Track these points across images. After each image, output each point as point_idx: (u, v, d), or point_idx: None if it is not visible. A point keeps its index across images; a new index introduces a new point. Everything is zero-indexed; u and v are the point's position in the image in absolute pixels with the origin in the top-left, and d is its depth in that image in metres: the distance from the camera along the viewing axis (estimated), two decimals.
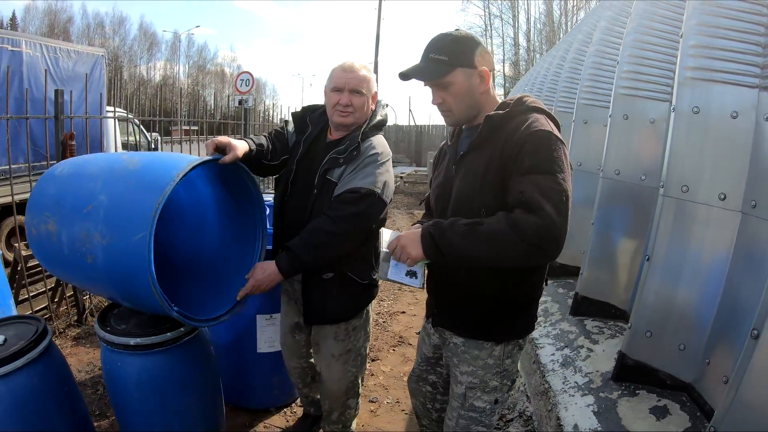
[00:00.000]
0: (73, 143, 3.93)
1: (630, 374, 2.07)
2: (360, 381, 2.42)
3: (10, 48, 5.93)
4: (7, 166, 3.72)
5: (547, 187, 1.32)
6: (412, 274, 1.57)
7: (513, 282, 1.57)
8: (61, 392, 1.97)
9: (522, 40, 31.48)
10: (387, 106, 2.32)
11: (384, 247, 1.59)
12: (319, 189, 2.04)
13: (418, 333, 2.27)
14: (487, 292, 1.58)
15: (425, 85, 1.61)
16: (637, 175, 2.54)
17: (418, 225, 1.68)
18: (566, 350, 2.64)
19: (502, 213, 1.35)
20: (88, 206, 1.76)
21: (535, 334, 2.98)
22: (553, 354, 2.68)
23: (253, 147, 2.06)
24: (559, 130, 1.51)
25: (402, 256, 1.49)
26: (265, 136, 2.22)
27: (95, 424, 2.71)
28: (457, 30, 1.59)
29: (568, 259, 3.58)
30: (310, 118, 2.24)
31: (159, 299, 1.71)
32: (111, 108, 7.16)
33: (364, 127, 2.09)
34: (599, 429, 1.91)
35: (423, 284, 1.59)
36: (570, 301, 3.05)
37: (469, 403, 1.68)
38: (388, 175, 2.09)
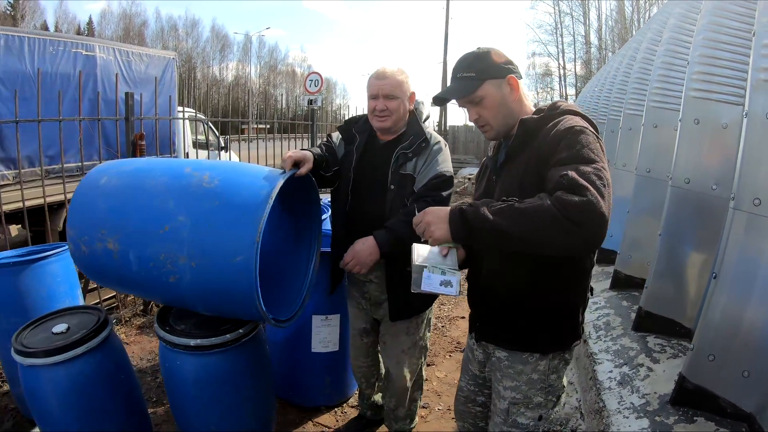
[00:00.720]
0: (142, 143, 4.14)
1: (689, 399, 1.92)
2: (423, 373, 2.57)
3: (84, 52, 6.32)
4: (80, 164, 3.96)
5: (589, 173, 1.26)
6: (446, 283, 1.52)
7: (556, 290, 1.53)
8: (117, 379, 2.11)
9: (593, 38, 30.32)
10: (423, 103, 2.55)
11: (416, 260, 1.55)
12: (396, 185, 2.18)
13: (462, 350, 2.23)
14: (530, 301, 1.55)
15: (459, 105, 1.63)
16: (708, 184, 2.35)
17: None
18: (625, 368, 2.49)
19: (543, 193, 1.27)
20: (164, 227, 1.76)
21: (594, 348, 2.84)
22: (611, 371, 2.53)
23: (318, 158, 2.17)
24: (597, 132, 1.44)
25: (425, 233, 1.42)
26: (319, 148, 2.33)
27: (152, 410, 2.87)
28: (479, 48, 1.61)
29: (634, 270, 3.39)
30: (355, 128, 2.37)
31: (261, 313, 1.79)
32: (184, 109, 7.49)
33: (421, 123, 2.29)
34: None
35: (459, 292, 1.53)
36: (633, 315, 2.88)
37: (512, 419, 1.64)
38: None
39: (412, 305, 2.28)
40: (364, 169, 2.27)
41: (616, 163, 4.16)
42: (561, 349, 1.61)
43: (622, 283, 3.51)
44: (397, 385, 2.45)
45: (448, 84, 1.64)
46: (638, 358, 2.50)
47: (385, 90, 2.18)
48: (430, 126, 2.48)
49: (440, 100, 1.70)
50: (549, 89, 36.01)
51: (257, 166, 1.99)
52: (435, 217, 1.40)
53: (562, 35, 31.58)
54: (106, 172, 1.99)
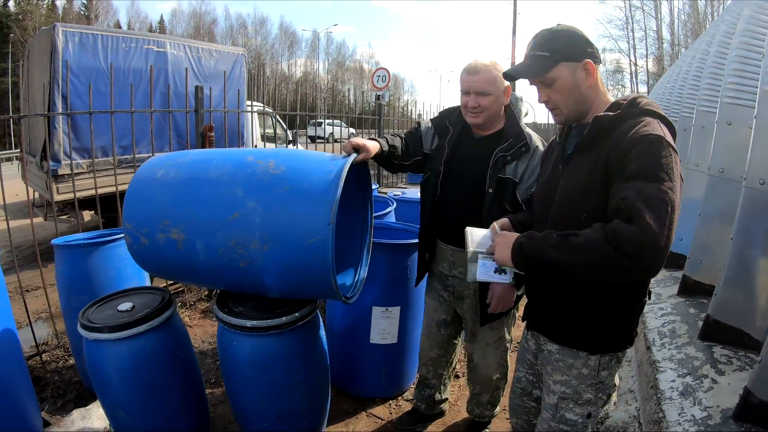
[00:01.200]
0: (212, 134, 4.30)
1: (753, 415, 1.80)
2: (508, 362, 2.58)
3: (155, 49, 6.64)
4: (152, 154, 4.16)
5: (651, 196, 1.22)
6: (501, 271, 1.51)
7: (612, 292, 1.48)
8: (178, 358, 2.20)
9: (666, 33, 28.98)
10: (522, 99, 2.38)
11: (471, 246, 1.54)
12: (495, 188, 2.14)
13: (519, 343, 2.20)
14: (586, 299, 1.50)
15: (530, 83, 1.54)
16: None
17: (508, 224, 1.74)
18: (688, 378, 2.36)
19: (599, 224, 1.27)
20: (234, 214, 1.82)
21: (657, 356, 2.72)
22: (673, 381, 2.41)
23: (386, 148, 2.19)
24: (674, 136, 1.38)
25: (494, 250, 1.47)
26: (400, 137, 2.35)
27: (210, 391, 2.99)
28: (558, 25, 1.51)
29: (704, 276, 3.20)
30: (448, 120, 2.35)
31: (335, 290, 1.85)
32: (256, 103, 7.72)
33: (520, 121, 2.24)
34: None
35: (513, 279, 1.53)
36: (700, 324, 2.72)
37: (560, 414, 1.62)
38: None
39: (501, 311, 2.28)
40: (456, 164, 2.26)
41: (688, 163, 3.94)
42: (612, 350, 1.56)
43: (691, 289, 3.33)
44: (482, 374, 2.53)
45: (523, 60, 1.55)
46: (703, 369, 2.36)
47: (476, 86, 2.11)
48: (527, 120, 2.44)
49: (510, 77, 1.66)
50: (620, 86, 34.78)
51: (317, 152, 2.03)
52: (504, 241, 1.45)
53: (633, 30, 30.42)
54: (161, 166, 2.04)
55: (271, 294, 2.02)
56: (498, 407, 2.72)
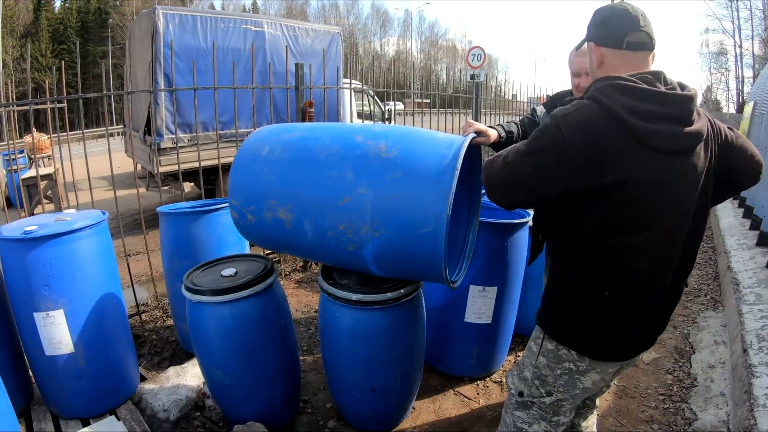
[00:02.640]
0: (311, 110, 4.41)
1: None
2: None
3: (253, 28, 6.83)
4: (252, 129, 4.33)
5: (507, 154, 1.37)
6: None
7: (564, 279, 1.46)
8: (276, 324, 2.28)
9: None
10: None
11: None
12: None
13: None
14: (550, 281, 1.54)
15: None
16: None
17: None
18: None
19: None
20: (344, 198, 1.80)
21: (754, 359, 2.56)
22: None
23: (503, 134, 2.16)
24: (616, 123, 1.24)
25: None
26: (516, 123, 2.31)
27: (302, 358, 3.11)
28: (606, 6, 1.44)
29: None
30: (560, 103, 2.27)
31: (444, 278, 1.83)
32: (349, 81, 7.83)
33: None
34: None
35: None
36: None
37: (510, 373, 1.69)
38: None
39: None
40: None
41: None
42: (558, 339, 1.50)
43: None
44: None
45: None
46: None
47: (581, 66, 2.00)
48: None
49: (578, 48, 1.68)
50: (724, 69, 32.36)
51: (430, 131, 1.94)
52: None
53: (738, 9, 27.94)
54: (267, 142, 2.03)
55: (376, 274, 2.03)
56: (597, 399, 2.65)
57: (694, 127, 1.28)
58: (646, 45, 1.35)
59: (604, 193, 1.27)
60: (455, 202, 2.24)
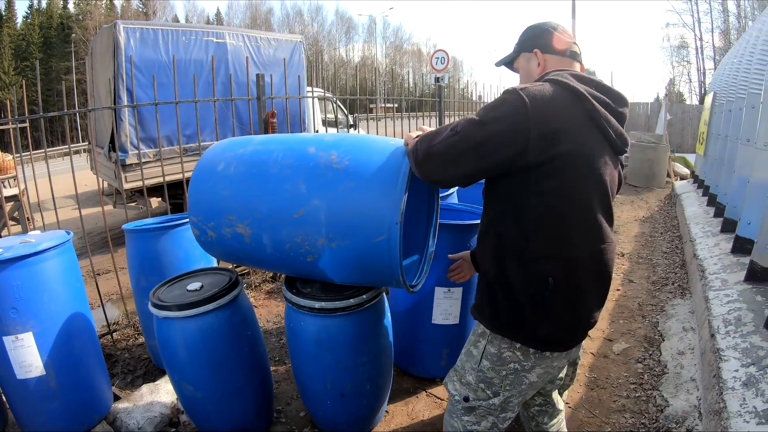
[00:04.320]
0: (274, 120, 4.40)
1: None
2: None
3: (215, 40, 6.82)
4: (216, 141, 4.31)
5: (460, 123, 1.38)
6: None
7: (492, 262, 1.50)
8: (243, 336, 2.28)
9: (732, 6, 27.12)
10: (594, 73, 2.39)
11: None
12: None
13: None
14: (492, 273, 1.52)
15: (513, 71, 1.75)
16: None
17: None
18: (752, 368, 2.27)
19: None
20: (299, 211, 1.81)
21: (721, 344, 2.63)
22: (736, 370, 2.33)
23: None
24: (574, 101, 1.38)
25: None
26: None
27: (274, 368, 3.10)
28: (538, 22, 1.67)
29: None
30: None
31: (402, 283, 1.84)
32: (316, 89, 7.81)
33: None
34: None
35: None
36: (767, 312, 2.62)
37: (447, 380, 1.69)
38: None
39: None
40: None
41: (757, 142, 3.74)
42: (496, 330, 1.52)
43: (758, 276, 3.19)
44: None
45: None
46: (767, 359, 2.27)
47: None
48: None
49: (497, 65, 1.79)
50: (685, 62, 33.18)
51: (381, 138, 1.95)
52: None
53: (697, 3, 28.75)
54: (222, 158, 2.04)
55: (337, 282, 2.04)
56: (565, 394, 2.65)
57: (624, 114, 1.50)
58: (579, 56, 1.60)
59: (551, 169, 1.35)
60: (412, 207, 2.26)
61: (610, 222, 1.48)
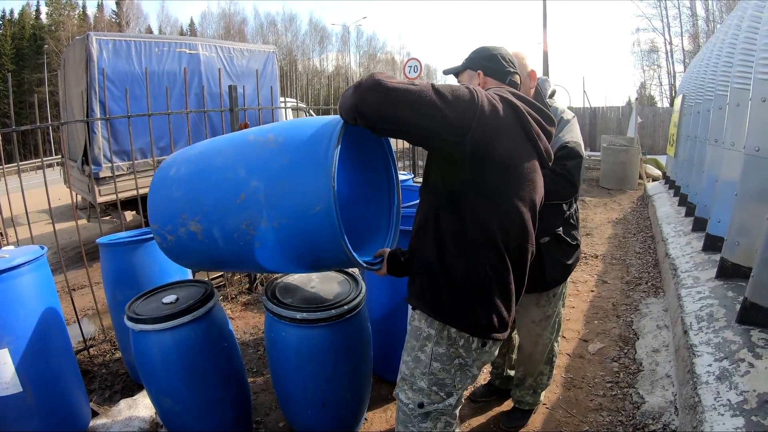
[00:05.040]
0: None
1: None
2: (556, 348, 2.60)
3: (188, 51, 6.80)
4: None
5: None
6: None
7: (454, 253, 1.50)
8: (220, 347, 2.28)
9: (700, 9, 27.82)
10: (547, 80, 2.46)
11: None
12: None
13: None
14: (431, 259, 1.54)
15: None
16: None
17: None
18: (725, 362, 2.33)
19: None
20: (240, 196, 1.77)
21: (694, 340, 2.69)
22: (709, 365, 2.38)
23: None
24: (516, 119, 1.52)
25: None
26: None
27: (252, 379, 3.09)
28: (489, 46, 1.82)
29: (742, 258, 3.14)
30: None
31: (350, 256, 1.74)
32: (290, 100, 7.81)
33: (545, 99, 2.30)
34: None
35: None
36: (738, 307, 2.68)
37: (397, 392, 1.70)
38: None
39: (546, 280, 2.32)
40: None
41: (724, 142, 3.85)
42: (445, 321, 1.53)
43: (729, 273, 3.27)
44: (527, 354, 2.56)
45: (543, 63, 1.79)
46: (740, 353, 2.33)
47: None
48: (559, 101, 2.45)
49: (445, 72, 1.94)
50: (656, 66, 33.86)
51: (320, 117, 1.90)
52: None
53: (666, 8, 29.42)
54: (174, 163, 2.02)
55: (295, 270, 2.03)
56: (542, 395, 2.71)
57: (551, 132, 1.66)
58: (518, 85, 1.78)
59: (487, 166, 1.43)
60: (366, 184, 2.23)
61: (534, 226, 1.58)
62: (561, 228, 2.29)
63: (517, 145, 1.49)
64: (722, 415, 1.95)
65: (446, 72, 1.92)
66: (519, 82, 1.79)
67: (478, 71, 1.75)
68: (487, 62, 1.75)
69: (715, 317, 2.83)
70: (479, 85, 1.72)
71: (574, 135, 2.24)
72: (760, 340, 2.36)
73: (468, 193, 1.45)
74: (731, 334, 2.54)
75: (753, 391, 2.00)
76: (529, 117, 1.52)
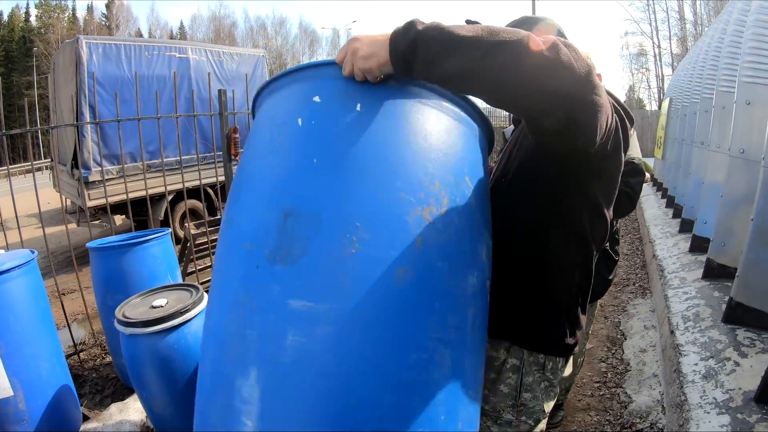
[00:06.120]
0: (236, 136, 4.38)
1: None
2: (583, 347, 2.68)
3: (177, 55, 6.81)
4: (179, 158, 4.28)
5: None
6: None
7: (550, 274, 1.31)
8: None
9: (688, 13, 28.16)
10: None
11: None
12: None
13: None
14: (505, 281, 1.30)
15: None
16: None
17: None
18: (711, 361, 2.37)
19: None
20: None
21: (681, 339, 2.72)
22: (696, 364, 2.42)
23: None
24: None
25: (351, 65, 1.03)
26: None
27: None
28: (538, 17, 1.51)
29: (728, 259, 3.19)
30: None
31: None
32: None
33: None
34: None
35: None
36: (724, 307, 2.73)
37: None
38: None
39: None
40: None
41: (710, 144, 3.91)
42: (533, 348, 1.34)
43: (715, 273, 3.32)
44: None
45: None
46: (725, 352, 2.37)
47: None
48: None
49: None
50: (644, 69, 34.16)
51: None
52: (366, 41, 1.01)
53: (654, 12, 29.71)
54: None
55: None
56: (570, 392, 2.77)
57: None
58: None
59: (600, 174, 1.25)
60: None
61: None
62: (608, 243, 2.29)
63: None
64: (708, 413, 1.98)
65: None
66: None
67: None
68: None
69: (702, 317, 2.87)
70: None
71: (637, 150, 2.21)
72: (746, 339, 2.39)
73: (582, 206, 1.27)
74: (717, 333, 2.58)
75: (739, 389, 2.03)
76: (627, 121, 1.29)
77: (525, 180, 1.32)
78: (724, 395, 2.05)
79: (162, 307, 2.22)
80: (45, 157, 20.14)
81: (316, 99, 1.06)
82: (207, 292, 4.12)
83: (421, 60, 0.95)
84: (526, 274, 1.31)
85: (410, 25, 0.96)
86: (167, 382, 2.14)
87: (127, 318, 2.13)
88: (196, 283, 2.69)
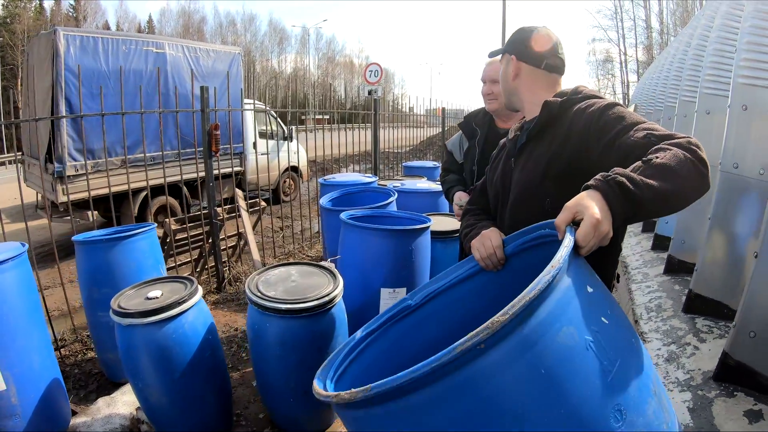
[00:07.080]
0: (217, 133, 4.42)
1: (730, 375, 1.99)
2: None
3: (155, 50, 6.77)
4: (160, 153, 4.30)
5: (659, 128, 1.20)
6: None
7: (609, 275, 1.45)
8: (205, 340, 2.35)
9: (655, 22, 29.13)
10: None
11: None
12: None
13: None
14: None
15: None
16: (755, 169, 2.38)
17: (487, 222, 1.59)
18: (673, 346, 2.56)
19: (651, 147, 1.13)
20: None
21: (644, 328, 2.90)
22: (659, 349, 2.60)
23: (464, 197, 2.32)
24: None
25: (594, 239, 1.00)
26: (444, 175, 2.60)
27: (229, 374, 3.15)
28: (530, 27, 1.60)
29: (687, 255, 3.40)
30: (475, 122, 2.46)
31: None
32: (248, 100, 7.83)
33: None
34: (690, 425, 1.87)
35: None
36: (684, 298, 2.93)
37: None
38: None
39: None
40: (486, 162, 2.29)
41: None
42: None
43: (675, 268, 3.52)
44: None
45: None
46: (686, 338, 2.55)
47: (490, 74, 2.22)
48: None
49: (491, 55, 1.83)
50: (610, 75, 35.01)
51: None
52: (586, 209, 1.01)
53: (622, 20, 30.57)
54: None
55: None
56: None
57: None
58: (559, 69, 1.57)
59: None
60: None
61: None
62: None
63: None
64: (671, 390, 2.15)
65: (491, 54, 1.81)
66: (561, 65, 1.57)
67: (512, 55, 1.57)
68: (521, 45, 1.56)
69: (663, 308, 3.06)
70: (513, 71, 1.57)
71: None
72: (704, 327, 2.59)
73: None
74: (678, 322, 2.77)
75: (699, 370, 2.21)
76: None
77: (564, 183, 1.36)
78: (686, 375, 2.22)
79: (157, 298, 2.27)
80: (7, 152, 19.50)
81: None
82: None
83: (639, 219, 1.12)
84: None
85: (625, 192, 1.02)
86: (164, 371, 2.19)
87: (123, 309, 2.18)
88: (188, 275, 2.75)
